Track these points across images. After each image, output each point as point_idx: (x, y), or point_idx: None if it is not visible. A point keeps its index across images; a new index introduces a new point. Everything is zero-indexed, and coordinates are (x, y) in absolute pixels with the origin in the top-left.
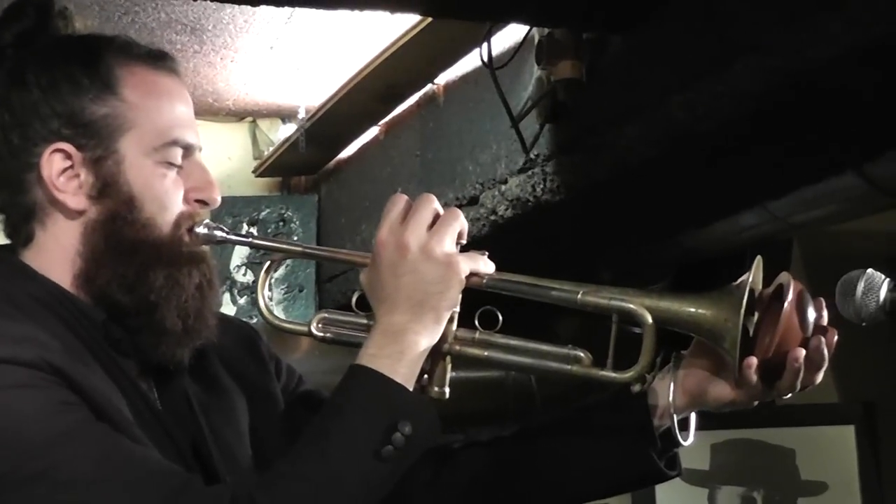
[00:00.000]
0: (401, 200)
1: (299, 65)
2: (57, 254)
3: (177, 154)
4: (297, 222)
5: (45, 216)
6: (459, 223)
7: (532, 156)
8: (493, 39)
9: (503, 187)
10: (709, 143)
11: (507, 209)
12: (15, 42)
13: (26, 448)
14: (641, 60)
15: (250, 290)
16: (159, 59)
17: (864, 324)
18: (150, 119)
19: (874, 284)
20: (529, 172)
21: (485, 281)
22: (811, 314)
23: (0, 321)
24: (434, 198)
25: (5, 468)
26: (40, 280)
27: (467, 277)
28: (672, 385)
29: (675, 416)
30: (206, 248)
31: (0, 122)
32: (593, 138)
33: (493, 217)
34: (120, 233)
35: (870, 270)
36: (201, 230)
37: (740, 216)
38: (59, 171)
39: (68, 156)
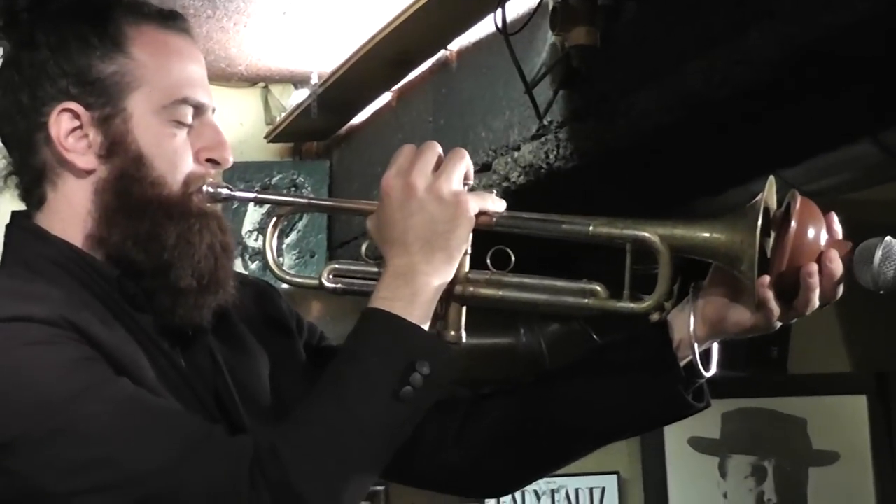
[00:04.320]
0: (407, 148)
1: (312, 30)
2: (69, 214)
3: (187, 113)
4: (309, 188)
5: (56, 177)
6: (465, 163)
7: (545, 122)
8: (507, 5)
9: (516, 154)
10: (724, 111)
11: (519, 176)
12: (29, 6)
13: (46, 405)
14: (657, 27)
15: (262, 255)
16: (170, 19)
17: (881, 292)
18: (159, 77)
19: (892, 252)
20: (543, 139)
21: (494, 219)
22: (822, 228)
23: (15, 282)
24: (438, 144)
25: (26, 426)
26: (53, 241)
27: (477, 216)
28: (691, 315)
29: (696, 346)
30: (216, 207)
31: (9, 82)
32: (607, 105)
33: (505, 184)
34: (129, 191)
35: (888, 238)
36: (206, 188)
37: (753, 184)
38: (68, 130)
39: (76, 115)
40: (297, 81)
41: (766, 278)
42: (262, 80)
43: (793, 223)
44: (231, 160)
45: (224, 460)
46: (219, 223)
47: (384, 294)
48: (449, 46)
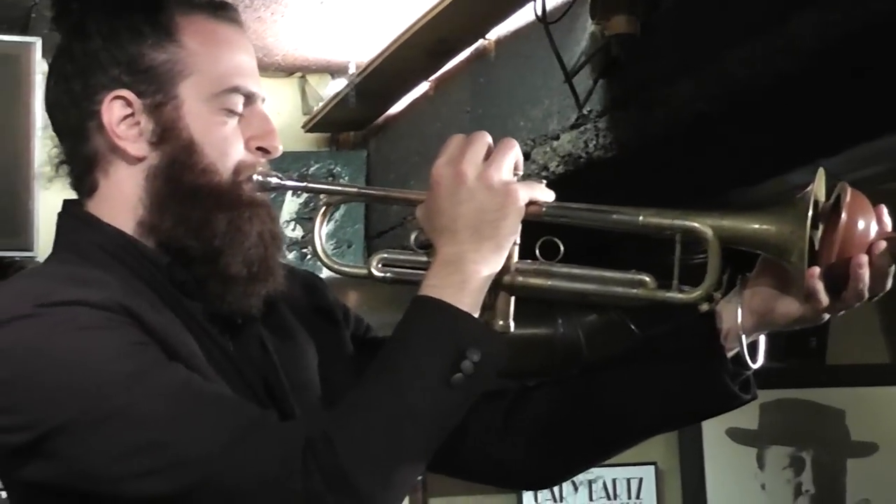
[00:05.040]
0: (457, 137)
1: (349, 20)
2: (120, 202)
3: (237, 102)
4: (346, 177)
5: (107, 164)
6: (515, 153)
7: (585, 111)
8: None
9: (555, 143)
10: (764, 99)
11: (558, 165)
12: None
13: (99, 388)
14: (697, 15)
15: (299, 245)
16: (220, 9)
17: None
18: (210, 66)
19: None
20: (582, 128)
21: (544, 209)
22: (872, 220)
23: (68, 267)
24: (488, 134)
25: (78, 409)
26: (104, 228)
27: (526, 206)
28: (739, 306)
29: (743, 338)
30: (266, 196)
31: (62, 71)
32: (647, 94)
33: (544, 173)
34: (180, 178)
35: None
36: (256, 177)
37: (794, 173)
38: (120, 118)
39: (128, 103)
40: (334, 71)
41: (816, 269)
42: (298, 70)
43: (843, 215)
44: (280, 149)
45: (277, 446)
46: (268, 212)
47: (433, 282)
48: (487, 35)
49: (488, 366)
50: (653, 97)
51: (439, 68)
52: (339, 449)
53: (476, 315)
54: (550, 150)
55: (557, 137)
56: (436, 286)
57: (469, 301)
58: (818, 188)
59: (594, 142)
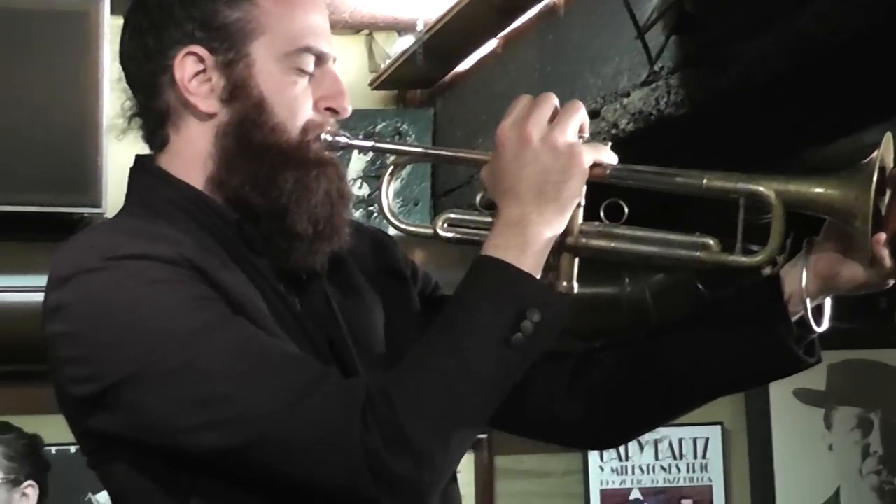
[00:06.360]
0: (523, 98)
1: None
2: (190, 157)
3: (308, 61)
4: (413, 136)
5: (179, 119)
6: (580, 115)
7: (656, 68)
8: None
9: (625, 100)
10: (839, 56)
11: (629, 123)
12: None
13: (166, 342)
14: None
15: (366, 203)
16: None
17: None
18: (283, 25)
19: None
20: (653, 85)
21: (608, 171)
22: None
23: (137, 222)
24: (554, 96)
25: (145, 361)
26: (175, 183)
27: (591, 168)
28: (804, 270)
29: (808, 301)
30: (334, 155)
31: (136, 24)
32: (720, 50)
33: (614, 131)
34: (249, 135)
35: None
36: (324, 136)
37: (865, 133)
38: (192, 74)
39: (201, 59)
40: (402, 28)
41: (882, 235)
42: (366, 28)
43: None
44: (349, 110)
45: (338, 402)
46: (336, 171)
47: (496, 242)
48: None
49: (548, 326)
50: (725, 54)
51: (508, 26)
52: (397, 406)
53: (538, 276)
54: (621, 107)
55: (628, 95)
56: (498, 246)
57: (531, 262)
58: (885, 153)
59: (665, 99)
